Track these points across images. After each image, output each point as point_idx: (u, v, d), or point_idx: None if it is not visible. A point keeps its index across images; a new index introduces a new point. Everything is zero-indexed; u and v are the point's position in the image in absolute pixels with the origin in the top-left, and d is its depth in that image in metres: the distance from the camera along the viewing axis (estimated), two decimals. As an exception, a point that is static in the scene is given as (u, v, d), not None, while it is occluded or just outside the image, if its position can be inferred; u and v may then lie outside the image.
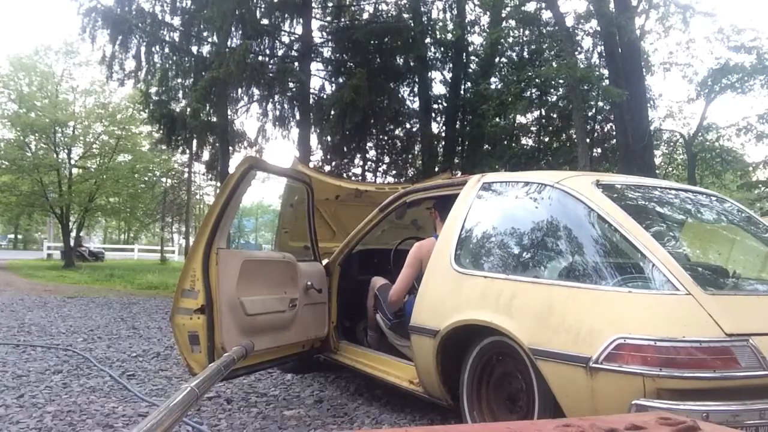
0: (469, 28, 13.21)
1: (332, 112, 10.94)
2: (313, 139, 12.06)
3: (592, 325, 2.16)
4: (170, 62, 11.44)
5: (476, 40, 13.74)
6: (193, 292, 3.00)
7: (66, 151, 18.57)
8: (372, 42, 11.34)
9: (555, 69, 9.51)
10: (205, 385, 2.10)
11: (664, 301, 2.12)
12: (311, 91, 11.77)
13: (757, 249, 3.03)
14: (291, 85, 11.29)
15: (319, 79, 12.38)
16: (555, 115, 13.43)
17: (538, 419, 2.31)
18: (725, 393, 1.97)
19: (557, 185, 2.70)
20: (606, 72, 10.49)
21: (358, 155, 13.45)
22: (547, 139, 13.91)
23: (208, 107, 10.80)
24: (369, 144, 13.71)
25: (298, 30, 11.64)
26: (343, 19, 12.49)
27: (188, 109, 10.68)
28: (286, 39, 11.86)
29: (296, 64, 11.40)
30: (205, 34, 11.26)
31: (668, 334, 2.00)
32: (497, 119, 12.58)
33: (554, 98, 13.09)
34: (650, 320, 2.08)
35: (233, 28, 10.31)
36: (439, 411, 3.21)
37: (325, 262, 3.99)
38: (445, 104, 13.59)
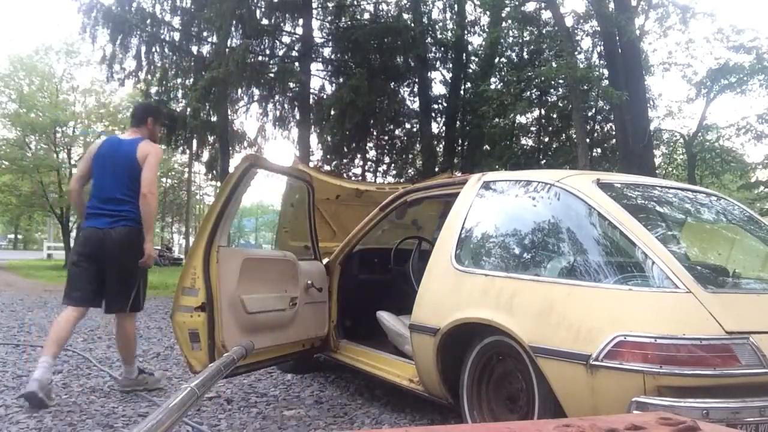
0: (469, 28, 13.23)
1: (332, 112, 10.96)
2: (313, 139, 12.09)
3: (592, 322, 2.16)
4: (170, 62, 11.45)
5: (476, 40, 13.78)
6: (193, 290, 3.00)
7: (66, 151, 18.59)
8: (372, 42, 11.34)
9: (555, 69, 9.51)
10: (205, 385, 2.10)
11: (665, 299, 2.12)
12: (311, 91, 11.78)
13: (758, 248, 3.03)
14: (291, 85, 11.30)
15: (319, 79, 12.41)
16: (555, 115, 13.45)
17: (538, 417, 2.31)
18: (725, 390, 1.97)
19: (558, 184, 2.70)
20: (606, 72, 10.50)
21: (358, 155, 13.47)
22: (547, 139, 13.92)
23: (208, 107, 10.79)
24: (369, 144, 13.74)
25: (299, 30, 11.66)
26: (343, 19, 12.50)
27: (188, 109, 10.68)
28: (286, 39, 11.88)
29: (296, 64, 11.41)
30: (204, 34, 11.27)
31: (669, 331, 2.00)
32: (497, 119, 12.60)
33: (554, 98, 13.11)
34: (650, 318, 2.08)
35: (233, 28, 10.31)
36: (439, 411, 3.20)
37: (325, 261, 3.99)
38: (445, 104, 13.61)
